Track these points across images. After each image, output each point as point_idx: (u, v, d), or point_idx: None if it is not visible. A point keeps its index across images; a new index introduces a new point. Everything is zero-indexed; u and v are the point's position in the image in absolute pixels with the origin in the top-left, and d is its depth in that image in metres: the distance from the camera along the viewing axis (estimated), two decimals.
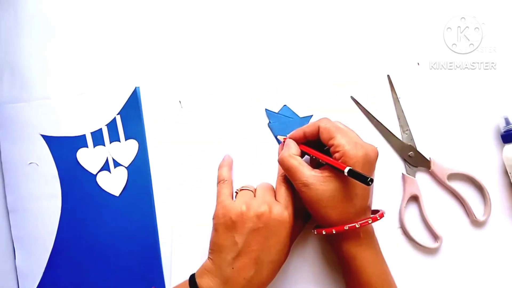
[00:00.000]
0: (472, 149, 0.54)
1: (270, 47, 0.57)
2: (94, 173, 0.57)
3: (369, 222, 0.44)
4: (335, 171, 0.44)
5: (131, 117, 0.57)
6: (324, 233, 0.45)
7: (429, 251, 0.53)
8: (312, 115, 0.55)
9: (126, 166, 0.56)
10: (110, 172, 0.56)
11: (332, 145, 0.45)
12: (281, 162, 0.47)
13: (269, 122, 0.56)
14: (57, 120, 0.58)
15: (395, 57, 0.56)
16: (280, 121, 0.55)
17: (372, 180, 0.40)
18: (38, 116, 0.58)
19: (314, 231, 0.47)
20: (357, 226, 0.43)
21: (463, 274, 0.52)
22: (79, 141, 0.57)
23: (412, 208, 0.54)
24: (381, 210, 0.47)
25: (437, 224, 0.52)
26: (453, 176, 0.53)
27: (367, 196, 0.46)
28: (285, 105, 0.56)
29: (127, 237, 0.55)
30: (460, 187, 0.53)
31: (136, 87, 0.58)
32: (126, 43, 0.59)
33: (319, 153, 0.47)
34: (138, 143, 0.57)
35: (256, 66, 0.57)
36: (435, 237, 0.52)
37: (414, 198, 0.53)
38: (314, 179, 0.44)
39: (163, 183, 0.56)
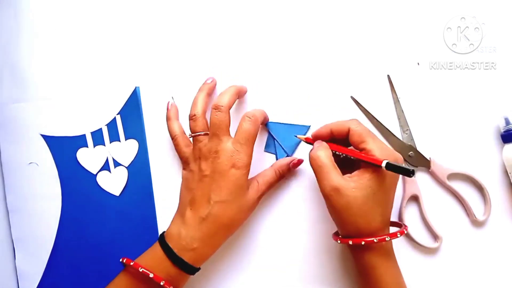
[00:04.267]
0: (472, 149, 0.54)
1: (270, 47, 0.57)
2: (94, 173, 0.57)
3: (398, 235, 0.43)
4: (365, 177, 0.43)
5: (131, 117, 0.57)
6: (350, 243, 0.44)
7: (429, 251, 0.53)
8: (310, 126, 0.55)
9: (126, 166, 0.57)
10: (110, 172, 0.56)
11: (364, 149, 0.44)
12: (313, 159, 0.45)
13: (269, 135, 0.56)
14: (57, 120, 0.58)
15: (395, 57, 0.56)
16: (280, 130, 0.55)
17: (413, 172, 0.40)
18: (38, 116, 0.58)
19: (338, 241, 0.46)
20: (387, 239, 0.43)
21: (463, 274, 0.52)
22: (79, 141, 0.57)
23: (412, 208, 0.54)
24: (402, 223, 0.48)
25: (437, 224, 0.52)
26: (453, 176, 0.53)
27: (392, 203, 0.46)
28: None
29: (128, 237, 0.55)
30: (460, 187, 0.53)
31: (136, 87, 0.58)
32: (126, 43, 0.59)
33: (351, 150, 0.46)
34: (138, 143, 0.57)
35: (256, 66, 0.57)
36: (435, 237, 0.52)
37: (414, 198, 0.53)
38: (346, 185, 0.43)
39: (164, 183, 0.56)
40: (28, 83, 0.59)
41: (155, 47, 0.58)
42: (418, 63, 0.55)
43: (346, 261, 0.53)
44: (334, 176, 0.43)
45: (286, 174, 0.53)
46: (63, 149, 0.57)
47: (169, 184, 0.56)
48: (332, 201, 0.44)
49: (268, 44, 0.57)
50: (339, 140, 0.48)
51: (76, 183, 0.57)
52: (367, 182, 0.43)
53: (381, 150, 0.43)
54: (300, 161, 0.53)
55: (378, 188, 0.43)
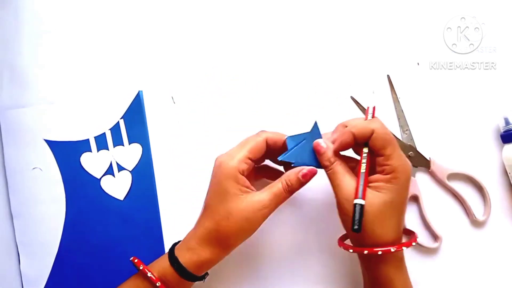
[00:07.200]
0: (472, 149, 0.54)
1: (270, 48, 0.57)
2: (98, 177, 0.57)
3: (413, 244, 0.42)
4: (384, 182, 0.41)
5: (135, 121, 0.57)
6: (366, 253, 0.41)
7: (429, 251, 0.53)
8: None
9: (130, 170, 0.57)
10: (114, 176, 0.57)
11: (383, 155, 0.41)
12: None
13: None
14: (60, 125, 0.58)
15: (395, 57, 0.56)
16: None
17: (357, 230, 0.38)
18: (41, 121, 0.58)
19: (350, 250, 0.43)
20: (404, 248, 0.41)
21: (463, 274, 0.53)
22: (83, 146, 0.57)
23: (412, 208, 0.54)
24: (411, 230, 0.48)
25: (437, 224, 0.53)
26: (453, 176, 0.53)
27: (405, 212, 0.44)
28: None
29: (132, 241, 0.56)
30: (460, 187, 0.53)
31: (139, 91, 0.58)
32: (130, 47, 0.59)
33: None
34: (142, 147, 0.57)
35: (256, 67, 0.57)
36: (435, 237, 0.53)
37: (414, 198, 0.54)
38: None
39: (168, 187, 0.57)
40: (31, 88, 0.59)
41: (158, 51, 0.58)
42: (418, 63, 0.56)
43: (351, 265, 0.53)
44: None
45: (296, 186, 0.45)
46: (67, 153, 0.57)
47: (173, 187, 0.56)
48: (343, 208, 0.42)
49: (268, 45, 0.57)
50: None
51: (80, 187, 0.57)
52: (385, 187, 0.41)
53: (400, 161, 0.41)
54: (312, 172, 0.45)
55: (399, 193, 0.41)
